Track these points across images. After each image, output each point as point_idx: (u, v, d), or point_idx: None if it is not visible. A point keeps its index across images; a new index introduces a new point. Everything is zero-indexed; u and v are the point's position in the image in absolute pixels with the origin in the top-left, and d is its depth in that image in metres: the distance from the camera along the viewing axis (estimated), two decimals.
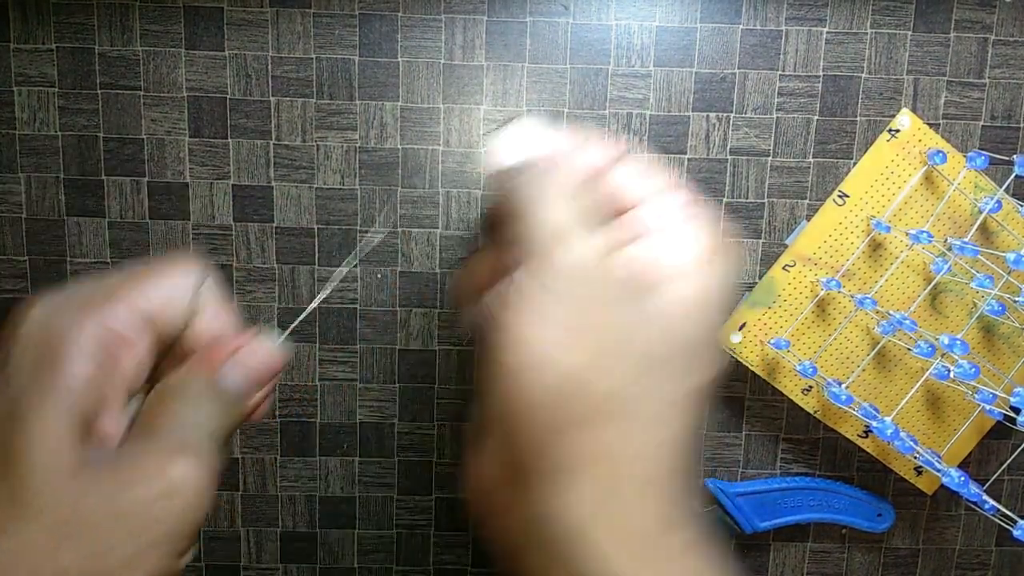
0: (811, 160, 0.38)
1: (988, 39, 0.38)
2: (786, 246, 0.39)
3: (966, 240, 0.36)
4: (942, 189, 0.38)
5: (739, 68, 0.38)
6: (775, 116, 0.38)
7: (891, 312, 0.36)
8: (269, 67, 0.37)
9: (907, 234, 0.37)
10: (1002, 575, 0.42)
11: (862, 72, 0.38)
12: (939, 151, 0.37)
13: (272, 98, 0.37)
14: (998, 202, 0.37)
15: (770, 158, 0.38)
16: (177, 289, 0.23)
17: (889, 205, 0.38)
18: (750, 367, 0.39)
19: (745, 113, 0.38)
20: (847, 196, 0.38)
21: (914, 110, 0.38)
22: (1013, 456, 0.40)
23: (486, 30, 0.37)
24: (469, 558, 0.41)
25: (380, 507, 0.41)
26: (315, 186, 0.38)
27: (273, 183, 0.38)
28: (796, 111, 0.38)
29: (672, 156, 0.38)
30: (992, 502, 0.33)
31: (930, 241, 0.36)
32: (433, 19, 0.37)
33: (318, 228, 0.38)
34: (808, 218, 0.39)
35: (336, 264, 0.39)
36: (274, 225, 0.38)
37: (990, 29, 0.38)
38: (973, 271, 0.36)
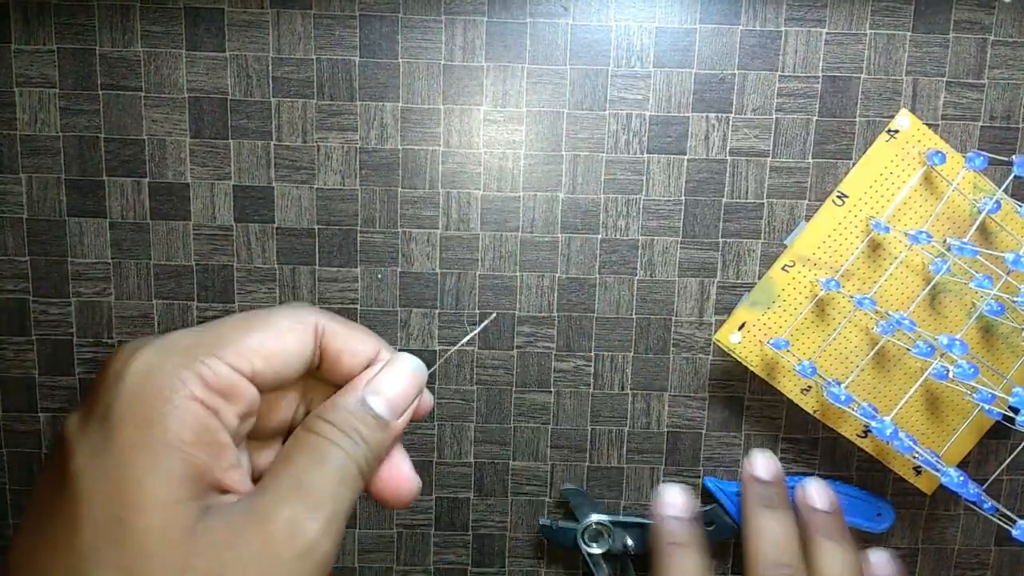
0: (810, 160, 0.39)
1: (987, 40, 0.38)
2: (785, 246, 0.39)
3: (965, 240, 0.36)
4: (941, 190, 0.38)
5: (739, 69, 0.38)
6: (774, 117, 0.38)
7: (890, 312, 0.36)
8: (270, 68, 0.37)
9: (906, 234, 0.37)
10: (1001, 575, 0.42)
11: (861, 73, 0.38)
12: (938, 152, 0.37)
13: (273, 99, 0.38)
14: (997, 203, 0.37)
15: (769, 158, 0.39)
16: (286, 336, 0.22)
17: (888, 206, 0.38)
18: (749, 367, 0.39)
19: (744, 114, 0.38)
20: (846, 196, 0.38)
21: (913, 111, 0.38)
22: (1012, 456, 0.40)
23: (486, 31, 0.37)
24: (469, 558, 0.41)
25: (380, 507, 0.41)
26: (315, 187, 0.38)
27: (274, 184, 0.38)
28: (795, 112, 0.38)
29: (672, 157, 0.38)
30: (991, 502, 0.33)
31: (929, 241, 0.36)
32: (433, 20, 0.37)
33: (318, 229, 0.39)
34: (807, 218, 0.39)
35: (336, 265, 0.39)
36: (275, 226, 0.38)
37: (989, 30, 0.38)
38: (972, 271, 0.36)
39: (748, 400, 0.40)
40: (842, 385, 0.36)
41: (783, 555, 0.32)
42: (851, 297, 0.37)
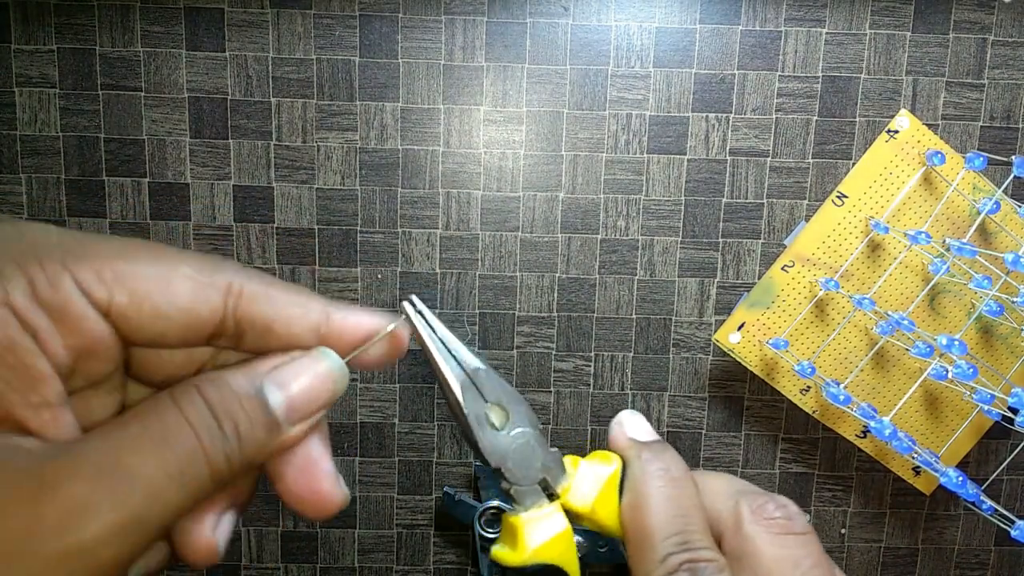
0: (810, 160, 0.39)
1: (987, 40, 0.38)
2: (785, 246, 0.39)
3: (964, 241, 0.36)
4: (941, 190, 0.38)
5: (738, 69, 0.38)
6: (774, 117, 0.38)
7: (889, 312, 0.36)
8: (270, 68, 0.37)
9: (905, 235, 0.37)
10: (1001, 575, 0.42)
11: (861, 73, 0.38)
12: (938, 152, 0.37)
13: (273, 99, 0.38)
14: (996, 203, 0.37)
15: (769, 158, 0.39)
16: (177, 283, 0.17)
17: (888, 206, 0.38)
18: (748, 367, 0.39)
19: (744, 114, 0.38)
20: (846, 197, 0.38)
21: (913, 111, 0.38)
22: (1012, 456, 0.40)
23: (486, 31, 0.37)
24: (469, 557, 0.41)
25: (380, 507, 0.41)
26: (315, 187, 0.38)
27: (274, 184, 0.38)
28: (795, 112, 0.38)
29: (672, 157, 0.38)
30: (990, 502, 0.33)
31: (928, 242, 0.36)
32: (433, 20, 0.37)
33: (319, 228, 0.39)
34: (807, 219, 0.39)
35: (336, 265, 0.39)
36: (275, 225, 0.38)
37: (989, 30, 0.38)
38: (971, 272, 0.36)
39: (748, 400, 0.40)
40: (841, 385, 0.37)
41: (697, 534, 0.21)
42: (850, 297, 0.37)
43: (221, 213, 0.38)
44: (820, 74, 0.38)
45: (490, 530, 0.39)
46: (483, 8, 0.37)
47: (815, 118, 0.38)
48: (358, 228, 0.39)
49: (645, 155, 0.38)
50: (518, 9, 0.37)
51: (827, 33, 0.38)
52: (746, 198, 0.39)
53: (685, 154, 0.38)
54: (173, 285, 0.17)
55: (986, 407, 0.35)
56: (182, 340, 0.17)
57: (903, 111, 0.38)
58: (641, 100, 0.38)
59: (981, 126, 0.39)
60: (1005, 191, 0.37)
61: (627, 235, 0.39)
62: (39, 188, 0.38)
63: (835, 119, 0.38)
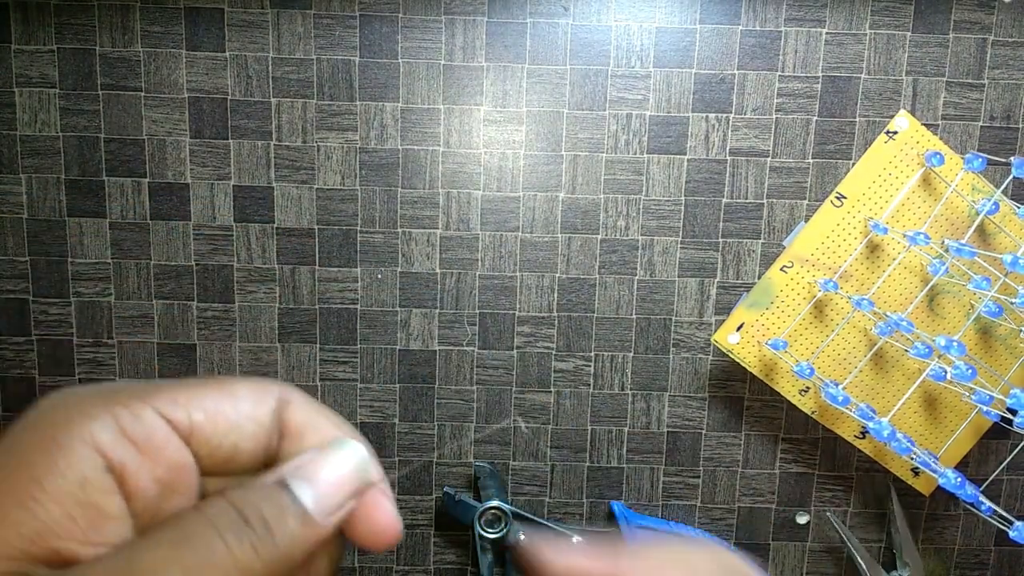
0: (810, 161, 0.39)
1: (987, 40, 0.38)
2: (784, 247, 0.39)
3: (963, 242, 0.36)
4: (940, 191, 0.38)
5: (738, 69, 0.38)
6: (774, 117, 0.38)
7: (888, 314, 0.36)
8: (270, 68, 0.37)
9: (904, 236, 0.37)
10: (1001, 575, 0.42)
11: (861, 73, 0.38)
12: (937, 153, 0.37)
13: (273, 99, 0.38)
14: (995, 204, 0.37)
15: (769, 158, 0.39)
16: (240, 399, 0.18)
17: (887, 207, 0.38)
18: (748, 368, 0.39)
19: (744, 114, 0.38)
20: (845, 197, 0.38)
21: (913, 111, 0.38)
22: (1011, 457, 0.40)
23: (486, 31, 0.37)
24: (469, 558, 0.41)
25: None
26: (315, 187, 0.38)
27: (274, 184, 0.38)
28: (795, 112, 0.38)
29: (672, 157, 0.38)
30: (989, 503, 0.33)
31: (927, 243, 0.36)
32: (433, 20, 0.37)
33: (318, 229, 0.39)
34: (806, 219, 0.39)
35: (336, 265, 0.39)
36: (275, 226, 0.38)
37: (989, 30, 0.38)
38: (970, 273, 0.36)
39: (748, 400, 0.40)
40: (840, 386, 0.37)
41: None
42: (849, 298, 0.37)
43: (221, 213, 0.38)
44: (820, 74, 0.38)
45: (490, 530, 0.39)
46: (483, 8, 0.37)
47: (815, 118, 0.38)
48: (358, 228, 0.39)
49: (645, 155, 0.38)
50: (518, 9, 0.37)
51: (827, 33, 0.38)
52: (746, 198, 0.39)
53: (685, 154, 0.38)
54: (238, 401, 0.18)
55: (985, 408, 0.35)
56: (252, 451, 0.18)
57: (902, 112, 0.38)
58: (641, 100, 0.38)
59: (981, 126, 0.39)
60: (1004, 192, 0.37)
61: (627, 235, 0.39)
62: (39, 188, 0.38)
63: (835, 119, 0.38)
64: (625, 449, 0.40)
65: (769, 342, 0.38)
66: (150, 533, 0.16)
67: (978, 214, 0.37)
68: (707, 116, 0.38)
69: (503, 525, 0.39)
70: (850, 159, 0.38)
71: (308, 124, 0.38)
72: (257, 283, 0.39)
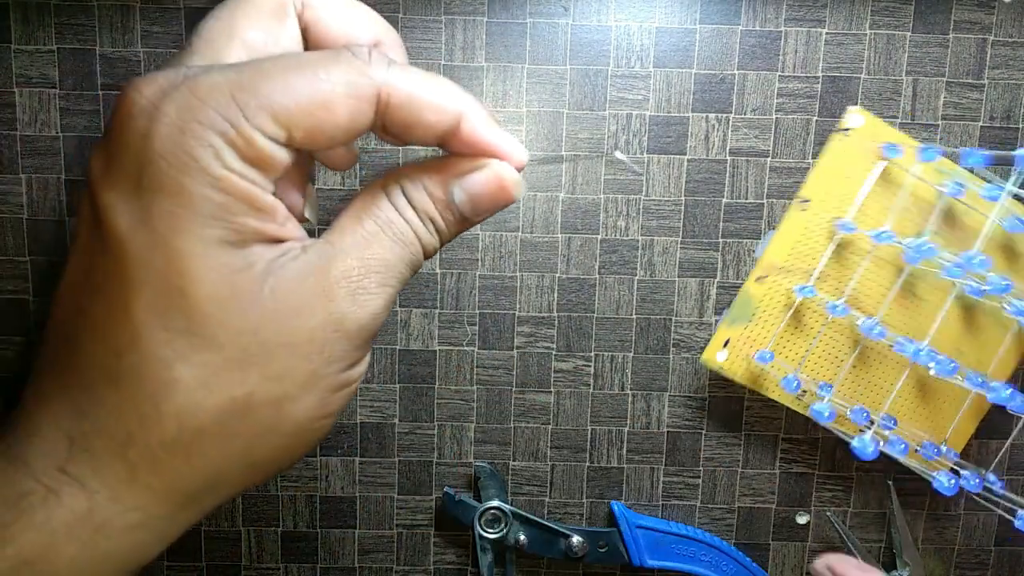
0: (810, 161, 0.39)
1: (987, 40, 0.38)
2: (756, 258, 0.39)
3: (923, 240, 0.35)
4: (901, 182, 0.37)
5: (738, 69, 0.38)
6: (774, 117, 0.38)
7: (867, 317, 0.36)
8: None
9: (869, 236, 0.36)
10: (1001, 574, 0.42)
11: (861, 73, 0.38)
12: (892, 145, 0.36)
13: None
14: (960, 185, 0.36)
15: (769, 159, 0.39)
16: (338, 108, 0.20)
17: (851, 205, 0.37)
18: (741, 383, 0.39)
19: (744, 114, 0.38)
20: (808, 201, 0.37)
21: (913, 111, 0.38)
22: (1011, 440, 0.40)
23: (486, 31, 0.37)
24: (469, 558, 0.41)
25: (380, 507, 0.41)
26: (315, 187, 0.38)
27: None
28: (795, 112, 0.38)
29: (672, 157, 0.38)
30: (999, 488, 0.33)
31: (891, 240, 0.35)
32: (433, 20, 0.37)
33: (318, 229, 0.39)
34: (774, 228, 0.39)
35: None
36: None
37: (989, 30, 0.38)
38: (943, 261, 0.35)
39: (748, 400, 0.40)
40: (832, 389, 0.37)
41: None
42: (825, 304, 0.37)
43: None
44: (820, 74, 0.38)
45: (490, 530, 0.39)
46: (483, 8, 0.37)
47: (815, 118, 0.38)
48: None
49: (645, 155, 0.38)
50: (518, 9, 0.37)
51: (827, 33, 0.38)
52: (746, 198, 0.39)
53: (685, 154, 0.38)
54: (336, 111, 0.20)
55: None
56: (349, 142, 0.22)
57: (854, 108, 0.37)
58: (641, 100, 0.38)
59: (981, 126, 0.39)
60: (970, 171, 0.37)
61: (627, 235, 0.39)
62: (39, 188, 0.38)
63: (835, 119, 0.38)
64: (625, 449, 0.40)
65: (756, 355, 0.38)
66: (364, 221, 0.22)
67: (943, 197, 0.37)
68: (707, 116, 0.38)
69: (503, 525, 0.39)
70: None
71: None
72: None
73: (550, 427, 0.40)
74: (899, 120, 0.38)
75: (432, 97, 0.22)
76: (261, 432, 0.21)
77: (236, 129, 0.19)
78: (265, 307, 0.20)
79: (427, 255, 0.23)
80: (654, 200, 0.39)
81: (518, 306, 0.39)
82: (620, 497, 0.41)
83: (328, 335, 0.21)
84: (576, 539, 0.39)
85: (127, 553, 0.21)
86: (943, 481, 0.35)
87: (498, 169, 0.23)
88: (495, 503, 0.39)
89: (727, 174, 0.39)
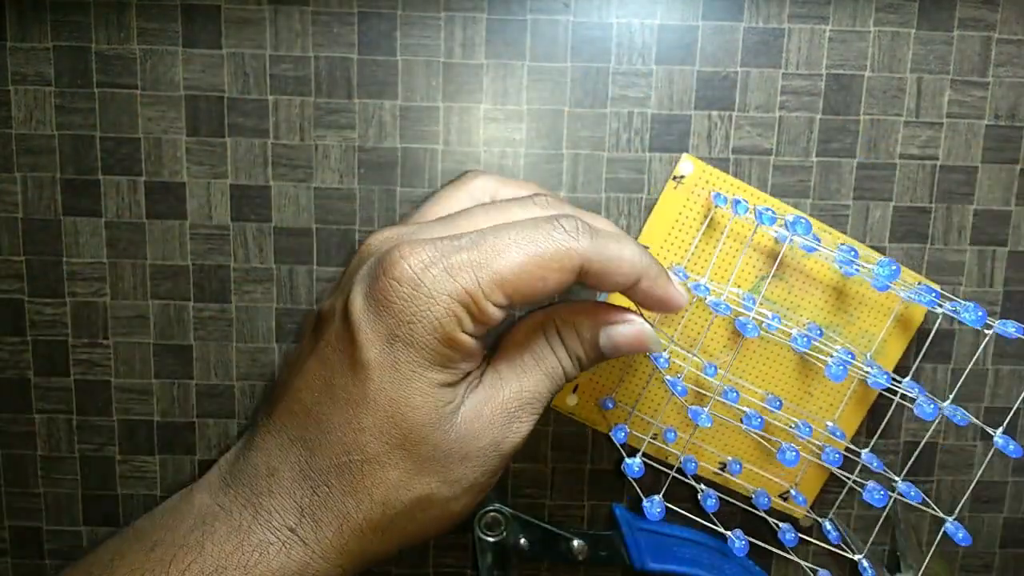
0: (814, 159, 0.38)
1: (991, 37, 0.38)
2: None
3: (751, 295, 0.35)
4: (735, 230, 0.37)
5: (741, 66, 0.38)
6: (778, 115, 0.38)
7: (736, 380, 0.36)
8: (267, 65, 0.37)
9: (694, 290, 0.35)
10: None
11: (865, 70, 0.38)
12: (721, 194, 0.36)
13: (270, 97, 0.37)
14: (804, 221, 0.34)
15: (772, 156, 0.38)
16: (549, 281, 0.26)
17: (687, 254, 0.37)
18: (596, 428, 0.39)
19: (747, 112, 0.38)
20: (647, 248, 0.36)
21: (917, 109, 0.38)
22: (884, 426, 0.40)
23: (486, 28, 0.37)
24: (469, 560, 0.41)
25: None
26: (313, 186, 0.38)
27: (271, 182, 0.38)
28: (799, 109, 0.38)
29: (674, 155, 0.38)
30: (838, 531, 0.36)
31: (707, 292, 0.35)
32: (432, 17, 0.37)
33: (316, 228, 0.38)
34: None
35: (334, 265, 0.38)
36: (272, 225, 0.38)
37: (993, 27, 0.38)
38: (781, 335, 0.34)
39: None
40: (676, 433, 0.37)
41: None
42: (653, 359, 0.35)
43: (218, 212, 0.38)
44: (824, 72, 0.38)
45: (490, 533, 0.38)
46: (483, 5, 0.37)
47: (818, 116, 0.38)
48: (356, 228, 0.38)
49: (647, 153, 0.38)
50: (518, 6, 0.37)
51: (831, 30, 0.37)
52: None
53: (688, 152, 0.38)
54: (548, 283, 0.26)
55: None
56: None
57: (686, 155, 0.37)
58: (643, 98, 0.38)
59: (986, 124, 0.38)
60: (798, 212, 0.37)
61: (629, 235, 0.38)
62: (34, 187, 0.37)
63: (839, 117, 0.38)
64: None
65: (600, 401, 0.38)
66: (523, 355, 0.29)
67: (781, 242, 0.37)
68: (710, 114, 0.38)
69: (503, 528, 0.38)
70: (854, 157, 0.38)
71: (305, 122, 0.37)
72: (254, 283, 0.38)
73: (550, 428, 0.40)
74: (903, 118, 0.38)
75: (621, 265, 0.27)
76: (430, 520, 0.28)
77: (475, 302, 0.25)
78: (456, 430, 0.27)
79: (567, 381, 0.29)
80: (656, 199, 0.38)
81: None
82: (621, 500, 0.40)
83: (489, 453, 0.27)
84: (577, 542, 0.38)
85: None
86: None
87: (641, 327, 0.29)
88: (495, 506, 0.38)
89: (729, 173, 0.38)
